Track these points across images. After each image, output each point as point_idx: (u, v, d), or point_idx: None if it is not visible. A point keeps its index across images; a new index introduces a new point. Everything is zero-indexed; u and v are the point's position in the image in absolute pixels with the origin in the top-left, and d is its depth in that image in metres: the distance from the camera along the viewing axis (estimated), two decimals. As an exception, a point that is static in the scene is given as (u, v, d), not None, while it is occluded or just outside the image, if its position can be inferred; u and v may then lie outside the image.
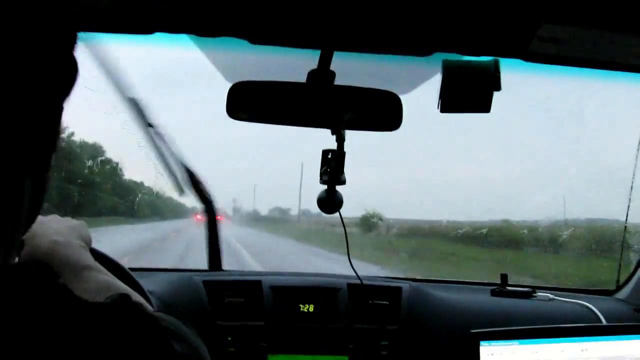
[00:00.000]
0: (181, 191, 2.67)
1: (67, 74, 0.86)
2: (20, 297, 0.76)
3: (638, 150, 2.95)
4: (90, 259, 1.46)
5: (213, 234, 2.98)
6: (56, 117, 0.86)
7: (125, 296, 0.94)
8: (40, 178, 0.88)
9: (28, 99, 0.80)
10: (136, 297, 1.42)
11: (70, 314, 0.78)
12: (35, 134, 0.82)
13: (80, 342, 0.75)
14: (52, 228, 1.46)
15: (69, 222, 1.56)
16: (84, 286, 1.36)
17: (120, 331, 0.81)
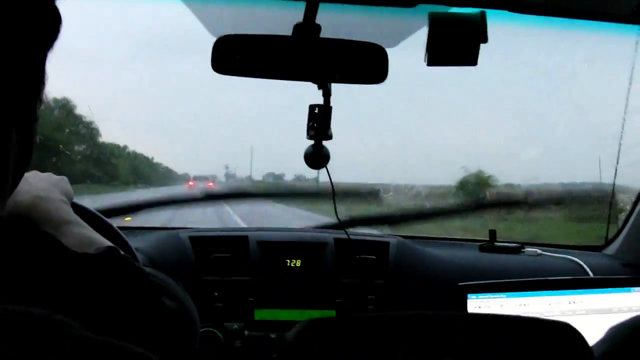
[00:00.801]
0: None
1: (50, 25, 0.86)
2: (11, 246, 0.76)
3: (626, 106, 2.94)
4: (71, 214, 1.45)
5: None
6: (40, 67, 0.87)
7: (114, 249, 0.93)
8: (27, 129, 0.88)
9: (12, 49, 0.80)
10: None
11: (61, 263, 0.77)
12: (20, 84, 0.82)
13: (70, 291, 0.75)
14: (33, 184, 1.45)
15: (50, 177, 1.55)
16: (64, 240, 1.35)
17: (111, 282, 0.81)
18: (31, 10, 0.82)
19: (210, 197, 2.93)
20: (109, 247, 1.06)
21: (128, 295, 0.81)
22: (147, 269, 0.94)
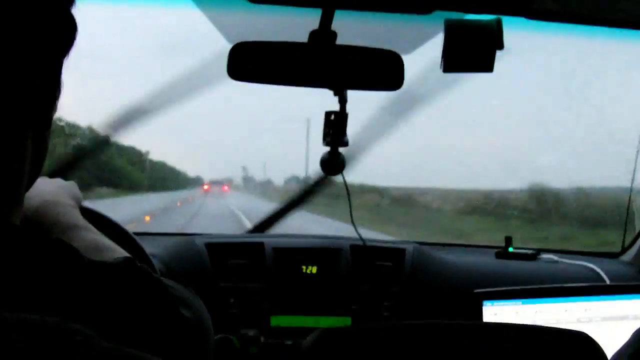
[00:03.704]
0: None
1: (66, 32, 0.86)
2: (27, 254, 0.75)
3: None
4: (79, 218, 1.45)
5: None
6: (56, 74, 0.87)
7: (131, 259, 0.94)
8: (41, 136, 0.89)
9: (28, 56, 0.80)
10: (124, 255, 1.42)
11: (77, 272, 0.77)
12: (35, 91, 0.82)
13: (86, 300, 0.75)
14: (41, 188, 1.45)
15: (59, 182, 1.56)
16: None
17: (129, 292, 0.81)
18: (47, 18, 0.82)
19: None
20: (126, 256, 1.06)
21: (145, 305, 0.81)
22: (165, 280, 0.94)
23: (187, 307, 0.91)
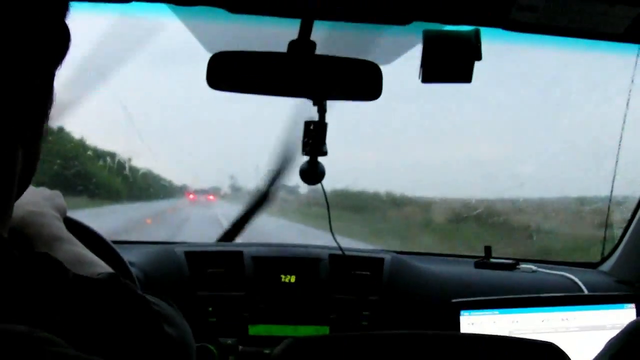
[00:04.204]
0: None
1: (59, 42, 0.86)
2: (11, 266, 0.75)
3: (624, 122, 2.95)
4: (63, 230, 1.45)
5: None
6: (48, 85, 0.87)
7: (115, 275, 0.93)
8: (33, 147, 0.88)
9: (20, 66, 0.80)
10: (107, 270, 1.41)
11: (60, 286, 0.77)
12: (27, 102, 0.82)
13: (66, 313, 0.75)
14: (26, 198, 1.45)
15: (44, 192, 1.55)
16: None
17: (111, 307, 0.81)
18: (41, 28, 0.82)
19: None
20: (111, 272, 1.06)
21: (128, 322, 0.81)
22: (149, 297, 0.94)
23: (171, 324, 0.91)
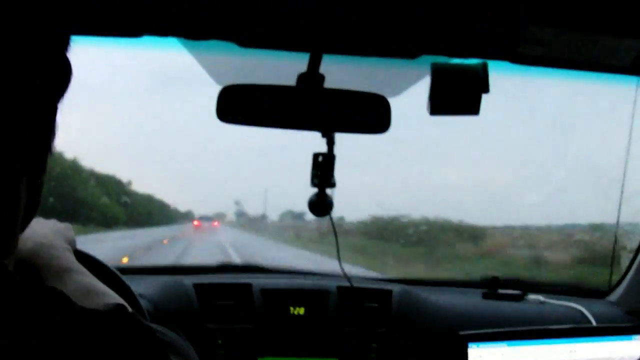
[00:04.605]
0: None
1: (61, 75, 0.87)
2: (16, 299, 0.75)
3: (628, 152, 2.96)
4: (73, 262, 1.46)
5: None
6: (51, 118, 0.87)
7: (121, 306, 0.94)
8: (36, 179, 0.89)
9: (23, 100, 0.80)
10: (121, 301, 1.41)
11: (66, 319, 0.77)
12: (31, 135, 0.82)
13: (74, 346, 0.74)
14: (35, 230, 1.45)
15: (54, 224, 1.56)
16: (66, 289, 1.35)
17: (118, 339, 0.80)
18: (43, 61, 0.82)
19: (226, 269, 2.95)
20: (117, 303, 1.06)
21: (134, 353, 0.81)
22: (155, 326, 0.94)
23: (177, 353, 0.91)
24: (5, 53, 0.77)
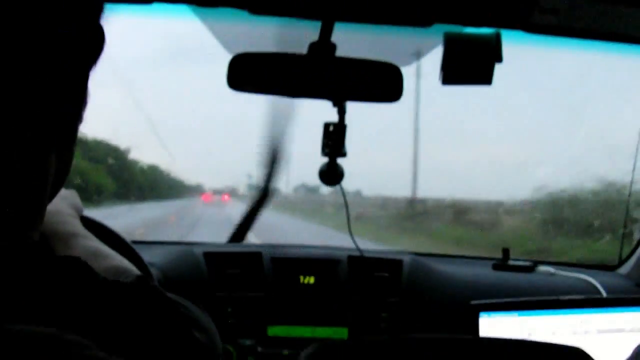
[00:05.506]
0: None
1: (95, 42, 0.85)
2: (43, 270, 0.75)
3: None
4: (79, 227, 1.46)
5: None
6: (82, 87, 0.85)
7: (143, 278, 0.93)
8: (67, 150, 0.87)
9: (56, 68, 0.78)
10: (128, 263, 1.41)
11: (89, 289, 0.76)
12: (62, 104, 0.81)
13: (96, 317, 0.74)
14: None
15: (60, 191, 1.56)
16: (70, 253, 1.35)
17: (141, 312, 0.80)
18: (76, 29, 0.80)
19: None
20: (139, 275, 1.05)
21: (157, 326, 0.79)
22: (176, 298, 0.94)
23: (199, 328, 0.90)
24: (38, 18, 0.75)
